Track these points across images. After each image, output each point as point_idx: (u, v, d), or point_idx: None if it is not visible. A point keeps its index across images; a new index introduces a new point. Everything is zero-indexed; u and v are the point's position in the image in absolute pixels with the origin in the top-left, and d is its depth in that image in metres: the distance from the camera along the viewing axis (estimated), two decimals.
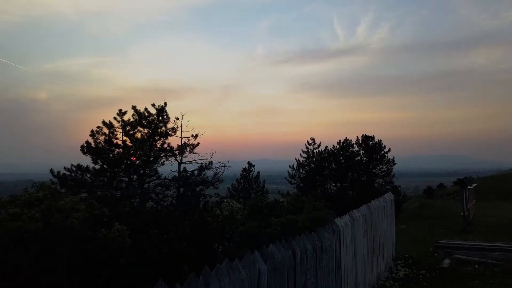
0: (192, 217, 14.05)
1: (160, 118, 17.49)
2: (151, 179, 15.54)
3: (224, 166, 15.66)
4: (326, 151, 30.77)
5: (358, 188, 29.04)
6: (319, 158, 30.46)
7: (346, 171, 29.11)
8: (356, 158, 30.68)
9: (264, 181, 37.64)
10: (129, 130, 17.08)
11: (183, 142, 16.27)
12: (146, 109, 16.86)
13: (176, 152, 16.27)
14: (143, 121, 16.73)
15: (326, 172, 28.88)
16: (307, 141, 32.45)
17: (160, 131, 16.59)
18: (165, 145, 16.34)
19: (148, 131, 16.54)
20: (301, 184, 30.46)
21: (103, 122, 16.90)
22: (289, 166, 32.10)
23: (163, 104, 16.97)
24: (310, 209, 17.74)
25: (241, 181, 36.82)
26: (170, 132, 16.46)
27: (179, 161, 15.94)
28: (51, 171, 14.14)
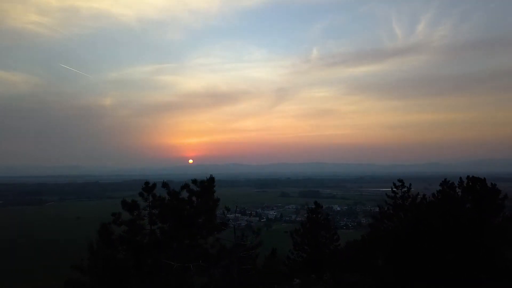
0: None
1: (207, 193, 11.95)
2: None
3: None
4: (424, 199, 23.66)
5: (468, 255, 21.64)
6: (412, 209, 23.45)
7: (453, 231, 21.82)
8: (467, 206, 23.35)
9: (335, 226, 31.25)
10: (161, 215, 11.75)
11: (236, 242, 10.52)
12: (186, 186, 11.42)
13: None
14: (180, 205, 11.32)
15: (426, 233, 21.74)
16: (393, 184, 25.52)
17: (202, 221, 11.02)
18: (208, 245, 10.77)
19: (185, 221, 11.12)
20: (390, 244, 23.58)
21: (123, 203, 11.72)
22: (376, 219, 25.43)
23: (209, 178, 11.44)
24: None
25: (307, 225, 30.71)
26: (219, 226, 10.84)
27: (235, 275, 10.19)
28: None
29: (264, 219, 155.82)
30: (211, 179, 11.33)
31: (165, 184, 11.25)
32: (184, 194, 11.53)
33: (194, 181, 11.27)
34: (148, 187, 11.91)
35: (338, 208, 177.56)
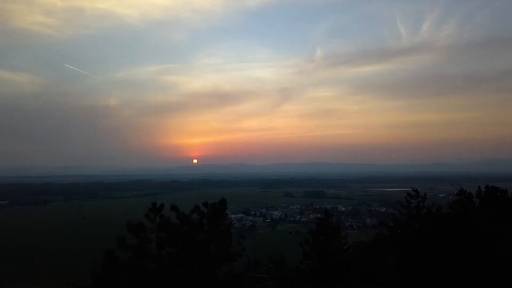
0: None
1: (219, 216, 11.10)
2: None
3: None
4: (440, 210, 22.71)
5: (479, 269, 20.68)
6: (427, 220, 22.50)
7: (468, 243, 20.87)
8: (484, 217, 22.33)
9: (346, 235, 30.28)
10: (169, 239, 10.92)
11: (250, 274, 9.65)
12: (196, 208, 10.57)
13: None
14: (190, 229, 10.49)
15: (441, 244, 20.81)
16: (408, 193, 24.59)
17: (214, 247, 10.18)
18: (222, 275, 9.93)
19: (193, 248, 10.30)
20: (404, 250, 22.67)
21: (129, 225, 10.86)
22: (383, 224, 24.50)
23: (220, 200, 10.60)
24: None
25: (317, 235, 29.74)
26: (232, 255, 9.98)
27: None
28: None
29: (268, 219, 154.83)
30: (223, 201, 10.50)
31: (174, 207, 10.40)
32: (194, 217, 10.70)
33: (205, 204, 10.44)
34: (155, 207, 11.06)
35: (343, 209, 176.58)
